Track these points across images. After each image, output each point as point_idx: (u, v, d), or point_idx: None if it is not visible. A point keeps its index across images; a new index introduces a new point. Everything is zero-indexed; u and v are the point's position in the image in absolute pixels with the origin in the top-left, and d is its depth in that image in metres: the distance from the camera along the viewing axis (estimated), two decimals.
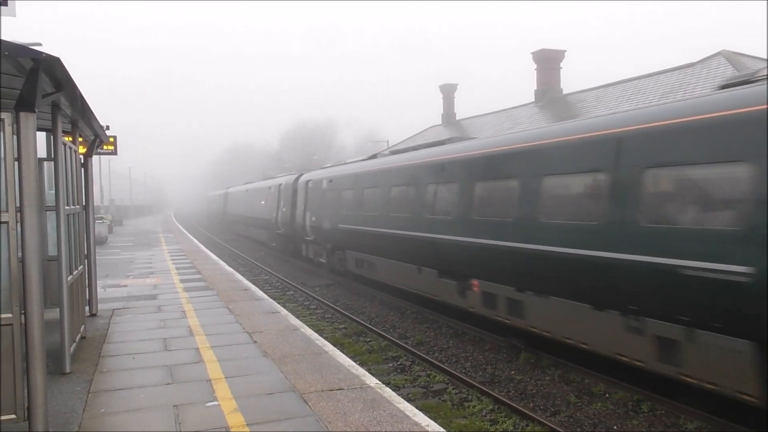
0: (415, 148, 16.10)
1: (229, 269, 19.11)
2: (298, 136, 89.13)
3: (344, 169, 20.15)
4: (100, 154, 22.42)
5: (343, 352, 8.81)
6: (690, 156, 7.29)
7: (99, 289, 13.08)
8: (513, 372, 10.18)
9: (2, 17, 6.97)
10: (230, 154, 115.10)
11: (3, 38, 4.74)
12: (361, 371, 7.49)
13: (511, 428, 7.83)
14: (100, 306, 11.78)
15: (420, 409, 6.58)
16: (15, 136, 5.17)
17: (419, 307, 15.31)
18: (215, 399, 6.47)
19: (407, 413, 6.00)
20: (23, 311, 5.18)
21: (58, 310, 7.57)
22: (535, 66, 30.41)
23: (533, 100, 30.50)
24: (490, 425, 7.95)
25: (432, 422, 5.83)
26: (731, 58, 19.60)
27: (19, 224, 5.17)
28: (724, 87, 8.10)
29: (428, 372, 10.28)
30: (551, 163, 9.63)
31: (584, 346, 9.07)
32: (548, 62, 29.96)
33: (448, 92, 40.12)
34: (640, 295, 7.86)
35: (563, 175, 9.43)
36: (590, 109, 22.75)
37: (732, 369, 6.79)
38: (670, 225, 7.44)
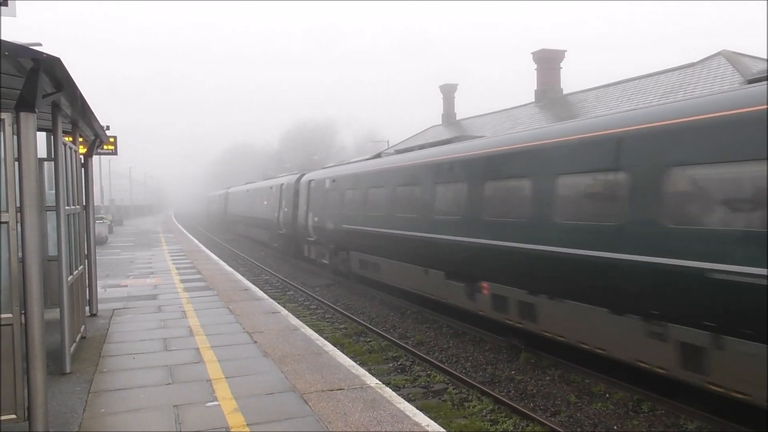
0: (420, 147, 15.74)
1: (230, 269, 19.11)
2: (298, 136, 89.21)
3: (348, 169, 19.77)
4: (100, 154, 22.43)
5: (343, 352, 8.81)
6: (721, 153, 6.84)
7: (99, 289, 13.08)
8: (513, 372, 10.18)
9: (2, 17, 6.96)
10: (230, 154, 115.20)
11: (3, 38, 4.74)
12: (361, 371, 7.49)
13: (511, 428, 7.83)
14: (100, 306, 11.78)
15: (420, 409, 6.58)
16: (15, 136, 5.17)
17: (419, 307, 15.30)
18: (215, 399, 6.47)
19: (407, 413, 5.99)
20: (23, 311, 5.18)
21: (58, 310, 7.57)
22: (535, 66, 30.40)
23: (533, 100, 30.49)
24: (491, 425, 7.95)
25: (432, 422, 5.82)
26: (731, 58, 19.59)
27: (19, 224, 5.17)
28: (752, 81, 7.81)
29: (428, 372, 10.28)
30: (567, 162, 9.26)
31: (601, 351, 8.74)
32: (548, 62, 29.93)
33: (448, 92, 40.10)
34: (663, 299, 7.53)
35: (580, 174, 9.01)
36: (590, 110, 22.73)
37: (764, 378, 6.43)
38: (697, 226, 7.09)
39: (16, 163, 5.15)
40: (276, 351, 8.47)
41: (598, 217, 8.57)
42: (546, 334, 9.89)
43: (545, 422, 7.79)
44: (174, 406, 6.27)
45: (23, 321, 5.18)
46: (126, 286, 15.40)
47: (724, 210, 6.89)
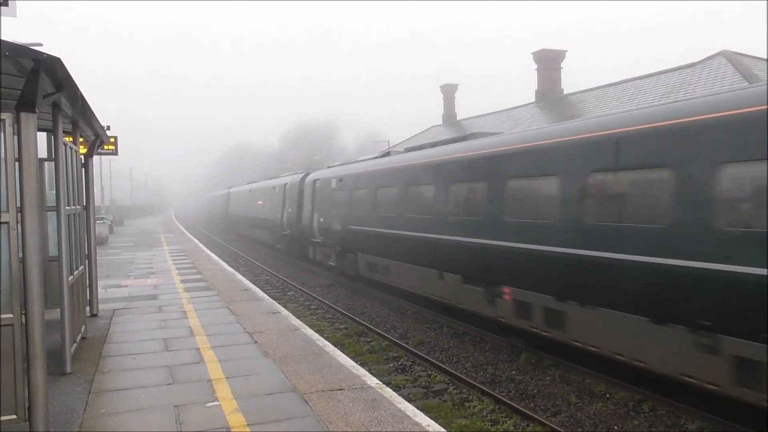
0: (432, 145, 15.11)
1: (230, 269, 19.11)
2: (298, 136, 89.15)
3: (355, 168, 19.04)
4: (100, 154, 22.42)
5: (343, 353, 8.81)
6: None
7: (100, 290, 13.08)
8: (514, 372, 10.17)
9: (2, 17, 6.96)
10: (231, 154, 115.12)
11: (3, 38, 4.74)
12: (361, 371, 7.49)
13: (511, 428, 7.82)
14: (100, 306, 11.78)
15: (421, 410, 6.58)
16: (16, 137, 5.17)
17: (420, 307, 15.30)
18: (216, 399, 6.47)
19: (408, 413, 5.99)
20: (24, 311, 5.18)
21: (58, 310, 7.58)
22: (535, 66, 30.40)
23: (534, 100, 30.49)
24: (491, 425, 7.94)
25: (433, 422, 5.82)
26: (732, 58, 19.58)
27: (19, 224, 5.17)
28: None
29: (429, 372, 10.28)
30: (604, 158, 8.50)
31: (640, 363, 8.11)
32: (549, 62, 29.94)
33: (448, 92, 40.12)
34: (715, 308, 6.87)
35: (620, 172, 8.28)
36: (591, 110, 22.73)
37: None
38: (759, 228, 6.36)
39: (17, 163, 5.15)
40: (276, 351, 8.47)
41: (640, 219, 7.90)
42: (576, 343, 9.26)
43: (546, 422, 7.78)
44: (174, 406, 6.27)
45: (24, 321, 5.18)
46: (126, 286, 15.40)
47: None
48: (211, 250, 28.09)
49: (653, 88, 21.05)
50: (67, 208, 7.60)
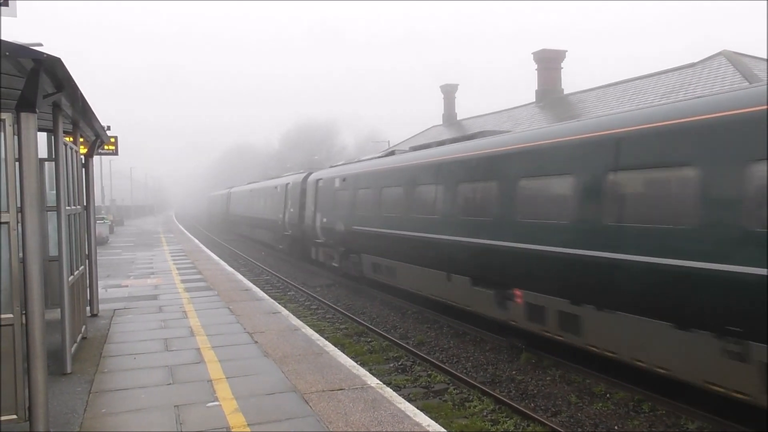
0: (439, 143, 14.81)
1: (230, 269, 19.12)
2: (299, 136, 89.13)
3: (359, 167, 18.67)
4: (101, 154, 22.40)
5: (344, 353, 8.81)
6: None
7: (100, 290, 13.09)
8: (514, 372, 10.17)
9: (3, 17, 6.96)
10: (231, 154, 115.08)
11: (3, 38, 4.75)
12: (362, 371, 7.49)
13: (512, 428, 7.82)
14: (101, 306, 11.78)
15: (421, 410, 6.58)
16: (16, 137, 5.17)
17: (420, 307, 15.30)
18: (216, 399, 6.47)
19: (408, 413, 5.99)
20: (24, 311, 5.18)
21: (59, 310, 7.58)
22: (536, 66, 30.41)
23: (534, 100, 30.49)
24: (491, 425, 7.94)
25: (433, 422, 5.82)
26: (732, 58, 19.58)
27: (20, 225, 5.17)
28: None
29: (429, 372, 10.28)
30: (626, 156, 8.15)
31: (662, 371, 7.77)
32: (549, 62, 29.95)
33: (449, 92, 40.13)
34: (745, 314, 6.53)
35: (643, 170, 7.93)
36: (591, 110, 22.73)
37: None
38: None
39: (17, 163, 5.15)
40: (277, 351, 8.47)
41: (664, 219, 7.52)
42: (592, 349, 8.95)
43: (546, 422, 7.78)
44: (175, 406, 6.28)
45: (24, 321, 5.19)
46: (127, 286, 15.41)
47: None
48: (211, 250, 28.09)
49: (653, 88, 21.05)
50: (67, 208, 7.60)
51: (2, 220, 5.07)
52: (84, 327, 9.42)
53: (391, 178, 15.80)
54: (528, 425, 7.86)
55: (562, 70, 30.34)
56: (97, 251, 11.80)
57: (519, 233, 10.18)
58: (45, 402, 5.26)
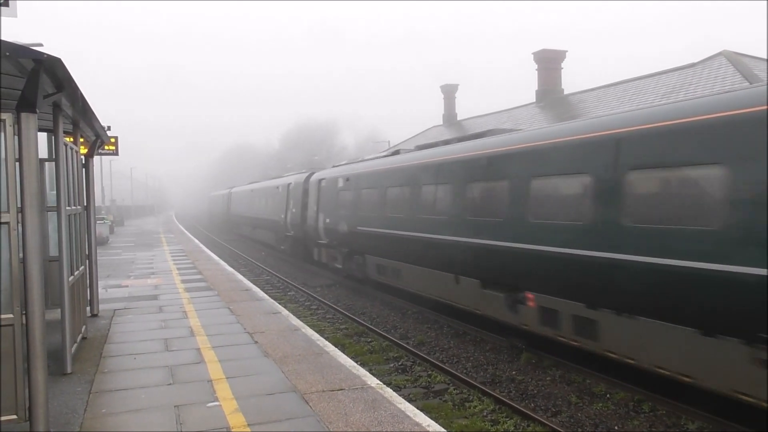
0: (446, 142, 14.41)
1: (230, 269, 19.12)
2: (299, 136, 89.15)
3: (363, 167, 18.24)
4: (101, 154, 22.39)
5: (344, 353, 8.82)
6: None
7: (100, 290, 13.10)
8: (514, 372, 10.17)
9: (3, 17, 6.97)
10: (231, 154, 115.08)
11: (3, 38, 4.75)
12: (362, 371, 7.49)
13: (512, 428, 7.82)
14: (101, 306, 11.79)
15: (421, 410, 6.58)
16: (16, 137, 5.17)
17: (420, 307, 15.30)
18: (216, 399, 6.47)
19: (408, 413, 5.99)
20: (24, 312, 5.19)
21: (59, 310, 7.59)
22: (536, 66, 30.41)
23: (534, 100, 30.50)
24: (491, 425, 7.94)
25: (433, 422, 5.82)
26: (732, 58, 19.58)
27: (20, 225, 5.18)
28: None
29: (429, 372, 10.28)
30: (648, 154, 7.79)
31: (686, 379, 7.45)
32: (549, 62, 29.94)
33: (449, 92, 40.12)
34: None
35: (664, 169, 7.56)
36: (592, 110, 22.73)
37: None
38: None
39: (17, 163, 5.16)
40: (277, 351, 8.47)
41: (690, 221, 7.17)
42: (611, 355, 8.62)
43: (546, 422, 7.78)
44: (175, 406, 6.28)
45: (24, 321, 5.19)
46: (127, 286, 15.41)
47: None
48: (211, 250, 28.10)
49: (654, 88, 21.04)
50: (67, 208, 7.61)
51: (2, 220, 5.08)
52: (84, 327, 9.43)
53: (396, 177, 15.41)
54: (528, 425, 7.87)
55: (562, 70, 30.35)
56: (98, 251, 11.81)
57: (532, 234, 9.84)
58: (45, 402, 5.26)
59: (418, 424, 5.70)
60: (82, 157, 10.11)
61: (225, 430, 5.64)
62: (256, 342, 9.06)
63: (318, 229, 21.91)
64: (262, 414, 6.02)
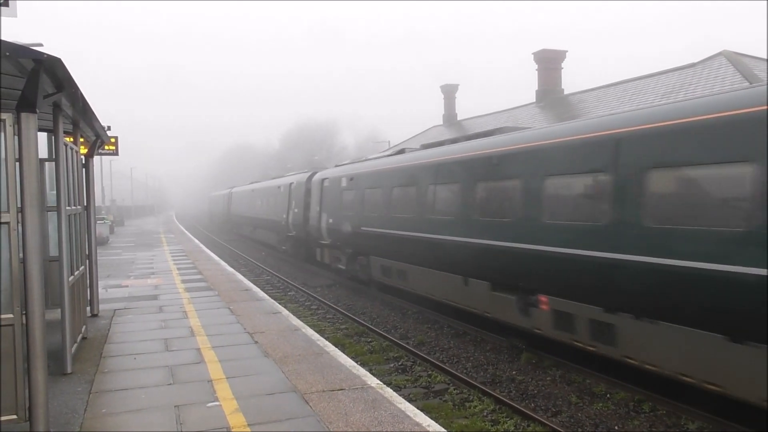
0: (454, 141, 14.14)
1: (230, 269, 19.12)
2: (299, 137, 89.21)
3: (368, 166, 17.88)
4: (101, 154, 22.39)
5: (344, 353, 8.81)
6: None
7: (100, 290, 13.09)
8: (514, 372, 10.17)
9: (3, 17, 6.97)
10: (231, 154, 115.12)
11: (3, 38, 4.75)
12: (362, 371, 7.49)
13: (512, 428, 7.82)
14: (101, 306, 11.79)
15: (421, 410, 6.58)
16: (16, 137, 5.17)
17: (420, 307, 15.29)
18: (216, 399, 6.47)
19: (408, 413, 5.99)
20: (24, 311, 5.19)
21: (59, 310, 7.58)
22: (536, 66, 30.42)
23: (534, 100, 30.50)
24: (492, 425, 7.94)
25: (433, 422, 5.82)
26: (732, 58, 19.58)
27: (20, 225, 5.18)
28: None
29: (429, 372, 10.28)
30: (672, 151, 7.42)
31: (713, 387, 7.11)
32: (549, 62, 29.95)
33: (449, 92, 40.13)
34: None
35: (690, 167, 7.19)
36: (592, 110, 22.73)
37: None
38: None
39: (17, 163, 5.16)
40: (277, 351, 8.47)
41: (720, 221, 6.80)
42: (630, 361, 8.26)
43: (546, 422, 7.78)
44: (175, 406, 6.28)
45: (24, 321, 5.19)
46: (127, 286, 15.41)
47: None
48: (211, 250, 28.10)
49: (654, 88, 21.04)
50: (67, 208, 7.61)
51: (2, 220, 5.08)
52: (84, 327, 9.43)
53: (403, 177, 15.04)
54: (528, 425, 7.87)
55: (562, 70, 30.36)
56: (98, 251, 11.81)
57: (546, 235, 9.48)
58: (45, 402, 5.26)
59: (418, 424, 5.70)
60: (82, 157, 10.11)
61: (225, 430, 5.64)
62: (256, 342, 9.06)
63: (321, 229, 21.63)
64: (262, 414, 6.02)
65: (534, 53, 30.26)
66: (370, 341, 12.59)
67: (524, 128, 12.42)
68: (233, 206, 48.04)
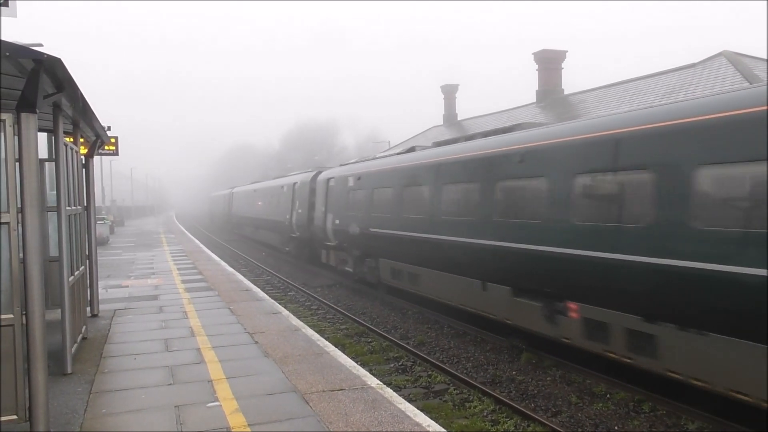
0: (469, 138, 13.43)
1: (231, 270, 19.12)
2: (299, 137, 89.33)
3: (376, 165, 17.21)
4: (101, 154, 22.38)
5: (344, 353, 8.82)
6: None
7: (100, 290, 13.10)
8: (514, 372, 10.17)
9: (3, 17, 6.97)
10: (232, 155, 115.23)
11: (3, 38, 4.75)
12: (362, 372, 7.49)
13: (512, 428, 7.82)
14: (101, 306, 11.79)
15: (421, 410, 6.58)
16: (16, 137, 5.18)
17: (420, 307, 15.29)
18: (216, 399, 6.47)
19: (408, 414, 5.99)
20: (25, 312, 5.19)
21: (59, 310, 7.59)
22: (536, 66, 30.42)
23: (534, 100, 30.50)
24: (492, 426, 7.94)
25: (433, 423, 5.82)
26: (732, 58, 19.57)
27: (20, 225, 5.18)
28: None
29: (429, 372, 10.28)
30: (727, 148, 6.76)
31: None
32: (549, 62, 29.94)
33: (449, 93, 40.12)
34: None
35: (749, 164, 6.51)
36: (592, 110, 22.73)
37: None
38: None
39: (17, 163, 5.16)
40: (277, 351, 8.47)
41: None
42: (674, 375, 7.60)
43: (546, 422, 7.78)
44: (175, 406, 6.28)
45: (24, 321, 5.19)
46: (127, 286, 15.42)
47: None
48: (212, 250, 28.10)
49: (654, 88, 21.04)
50: (67, 208, 7.61)
51: (2, 221, 5.08)
52: (84, 327, 9.43)
53: (415, 175, 14.37)
54: (528, 425, 7.87)
55: (562, 70, 30.35)
56: (98, 251, 11.81)
57: (577, 238, 8.82)
58: (45, 402, 5.26)
59: (418, 424, 5.70)
60: (82, 157, 10.11)
61: (225, 430, 5.64)
62: (256, 342, 9.06)
63: (326, 230, 20.98)
64: (262, 414, 6.02)
65: (534, 53, 30.25)
66: (371, 341, 12.59)
67: (548, 123, 11.91)
68: (234, 207, 47.85)
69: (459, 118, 39.06)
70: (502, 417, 8.18)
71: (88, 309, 10.76)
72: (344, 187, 19.30)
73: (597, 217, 8.58)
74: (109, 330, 10.06)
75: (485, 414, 8.35)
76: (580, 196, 8.91)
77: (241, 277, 17.40)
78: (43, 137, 9.50)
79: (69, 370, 7.46)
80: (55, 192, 7.84)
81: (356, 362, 8.36)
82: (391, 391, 6.80)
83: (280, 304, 13.20)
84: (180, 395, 6.64)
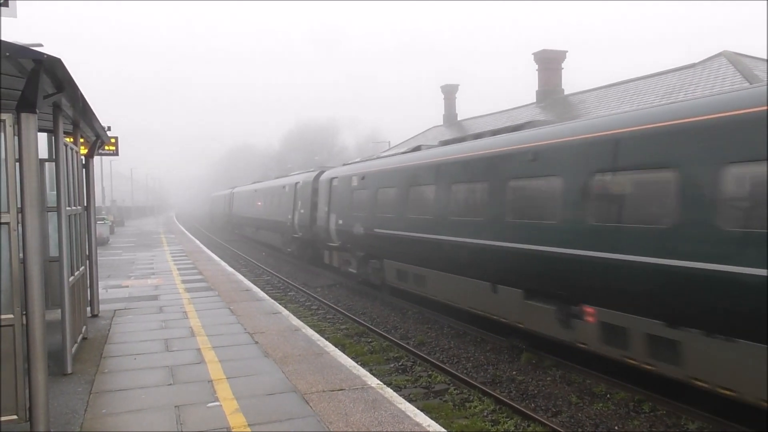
0: (477, 136, 13.11)
1: (231, 270, 19.12)
2: (299, 137, 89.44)
3: (381, 164, 16.89)
4: (101, 154, 22.38)
5: (344, 353, 8.82)
6: None
7: (100, 290, 13.10)
8: (514, 372, 10.17)
9: (3, 18, 6.97)
10: (232, 155, 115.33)
11: (3, 39, 4.75)
12: (362, 372, 7.49)
13: (512, 428, 7.82)
14: (101, 307, 11.79)
15: (421, 410, 6.58)
16: (16, 137, 5.18)
17: (420, 307, 15.30)
18: (217, 399, 6.47)
19: (408, 414, 5.99)
20: (25, 312, 5.19)
21: (59, 310, 7.59)
22: (536, 67, 30.42)
23: (535, 100, 30.50)
24: (492, 426, 7.94)
25: (433, 422, 5.82)
26: (733, 58, 19.58)
27: (20, 225, 5.18)
28: None
29: (429, 372, 10.28)
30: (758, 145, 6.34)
31: None
32: (550, 63, 29.95)
33: (449, 93, 40.14)
34: None
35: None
36: (592, 110, 22.73)
37: None
38: None
39: (17, 163, 5.16)
40: (277, 351, 8.48)
41: None
42: (698, 383, 7.28)
43: (546, 422, 7.78)
44: (175, 406, 6.28)
45: (24, 322, 5.19)
46: (127, 286, 15.42)
47: None
48: (212, 250, 28.10)
49: (654, 88, 21.04)
50: (67, 208, 7.61)
51: (3, 221, 5.08)
52: (84, 327, 9.43)
53: (422, 175, 14.05)
54: (528, 425, 7.87)
55: (562, 70, 30.36)
56: (98, 252, 11.82)
57: (594, 239, 8.51)
58: (45, 402, 5.26)
59: (418, 424, 5.70)
60: (82, 157, 10.11)
61: (225, 430, 5.64)
62: (256, 342, 9.06)
63: (329, 230, 20.70)
64: (262, 414, 6.02)
65: (534, 53, 30.26)
66: (371, 341, 12.59)
67: (556, 122, 11.60)
68: (235, 207, 47.70)
69: (459, 119, 39.08)
70: (503, 417, 8.18)
71: (88, 309, 10.76)
72: (348, 187, 19.03)
73: (616, 218, 8.25)
74: (109, 330, 10.07)
75: (485, 414, 8.35)
76: (597, 196, 8.60)
77: (241, 277, 17.40)
78: (43, 137, 9.50)
79: (69, 370, 7.46)
80: (55, 192, 7.85)
81: (356, 362, 8.36)
82: (392, 391, 6.80)
83: (280, 304, 13.20)
84: (180, 395, 6.64)
